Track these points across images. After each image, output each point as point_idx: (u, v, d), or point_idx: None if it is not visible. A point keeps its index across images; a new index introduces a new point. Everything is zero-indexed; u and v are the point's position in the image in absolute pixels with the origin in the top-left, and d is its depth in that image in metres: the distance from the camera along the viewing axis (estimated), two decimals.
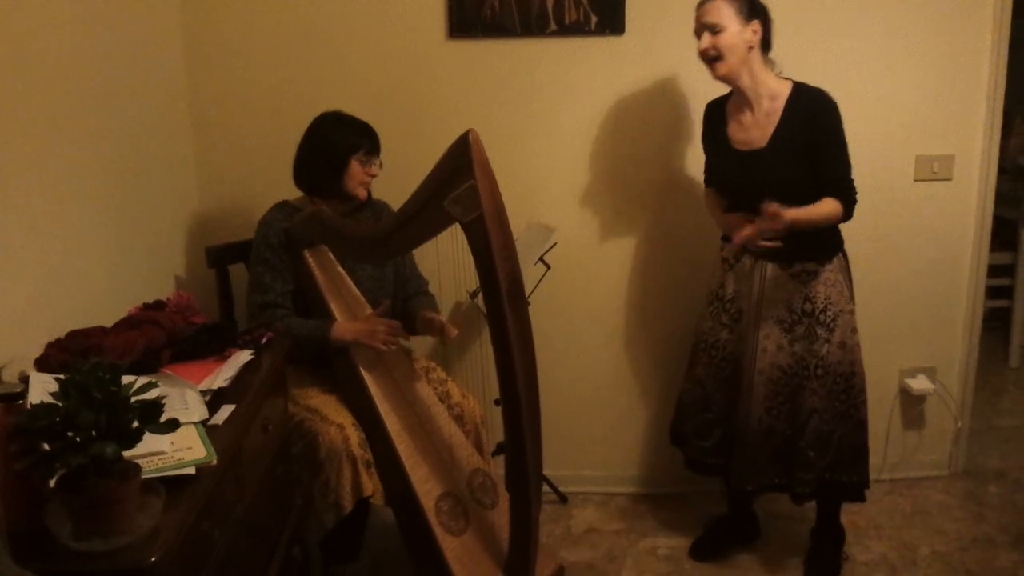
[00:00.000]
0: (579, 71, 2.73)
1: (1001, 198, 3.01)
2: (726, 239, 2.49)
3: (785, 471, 2.42)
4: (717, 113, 2.45)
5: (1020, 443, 3.37)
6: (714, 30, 2.22)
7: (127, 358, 1.67)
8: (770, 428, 2.39)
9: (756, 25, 2.24)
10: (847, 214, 2.27)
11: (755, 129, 2.32)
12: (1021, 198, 4.00)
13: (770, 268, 2.37)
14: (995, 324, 4.21)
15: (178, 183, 2.69)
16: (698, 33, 2.28)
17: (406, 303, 2.51)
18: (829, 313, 2.34)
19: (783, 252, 2.29)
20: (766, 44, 2.29)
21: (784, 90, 2.29)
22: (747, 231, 2.24)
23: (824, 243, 2.35)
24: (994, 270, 3.57)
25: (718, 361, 2.48)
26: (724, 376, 2.48)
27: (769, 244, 2.25)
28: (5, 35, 1.74)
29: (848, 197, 2.26)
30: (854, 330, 2.39)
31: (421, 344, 2.73)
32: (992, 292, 3.94)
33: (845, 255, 2.41)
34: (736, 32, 2.22)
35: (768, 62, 2.32)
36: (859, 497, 2.46)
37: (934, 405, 3.03)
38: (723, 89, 2.41)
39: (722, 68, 2.26)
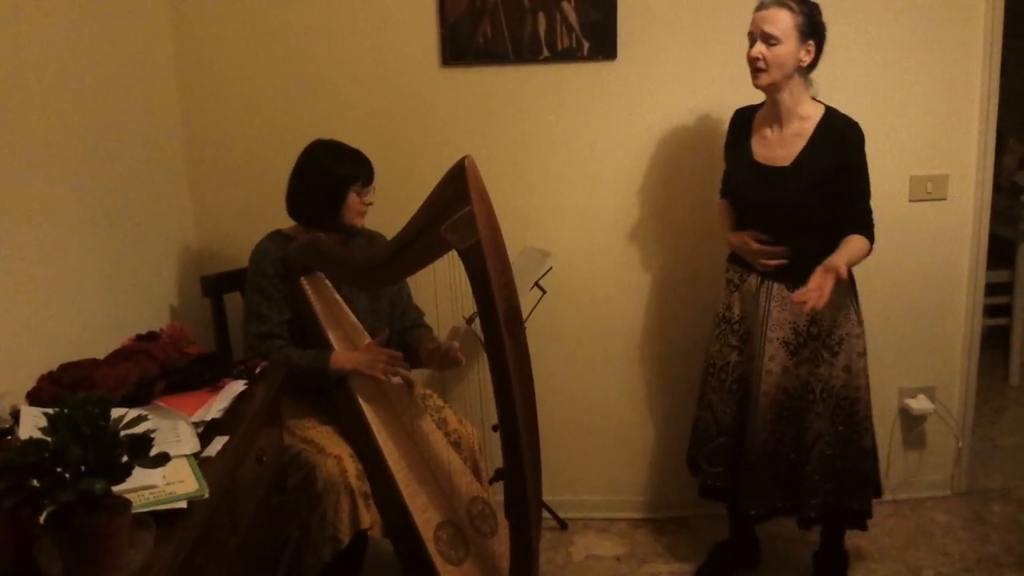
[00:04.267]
0: (572, 96, 2.74)
1: (997, 216, 3.02)
2: (732, 260, 2.47)
3: (790, 495, 2.39)
4: (744, 122, 2.42)
5: (1023, 461, 3.35)
6: (770, 41, 2.18)
7: (120, 391, 1.66)
8: (775, 452, 2.36)
9: (811, 46, 2.22)
10: (870, 247, 2.26)
11: (779, 147, 2.30)
12: (1017, 216, 4.00)
13: (776, 288, 2.34)
14: (994, 342, 4.19)
15: (172, 212, 2.69)
16: (752, 37, 2.23)
17: (403, 335, 2.50)
18: (835, 336, 2.31)
19: (790, 273, 2.28)
20: (812, 66, 2.26)
21: (816, 113, 2.27)
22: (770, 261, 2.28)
23: None
24: (992, 288, 3.56)
25: (728, 384, 2.45)
26: (736, 399, 2.45)
27: (774, 263, 2.27)
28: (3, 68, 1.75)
29: (870, 230, 2.25)
30: (860, 354, 2.35)
31: (417, 371, 2.71)
32: (990, 310, 3.93)
33: (852, 278, 2.37)
34: (791, 50, 2.19)
35: (808, 82, 2.29)
36: (861, 525, 2.43)
37: (935, 425, 3.01)
38: (726, 110, 2.41)
39: (765, 79, 2.22)
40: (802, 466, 2.35)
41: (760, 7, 2.23)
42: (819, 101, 2.32)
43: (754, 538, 2.69)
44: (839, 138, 2.24)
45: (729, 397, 2.45)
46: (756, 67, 2.22)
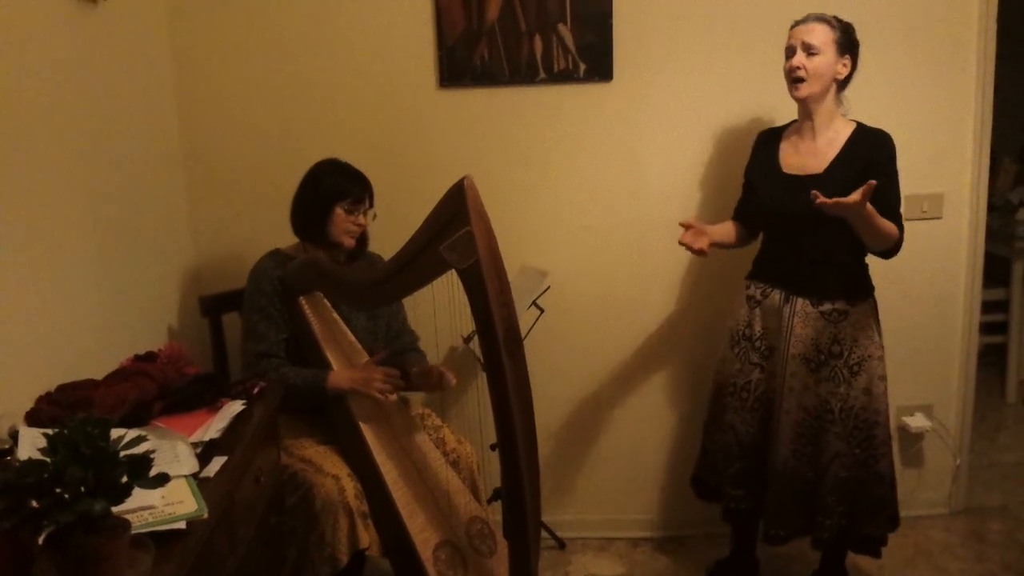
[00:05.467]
0: (568, 118, 2.76)
1: (992, 235, 3.03)
2: (753, 276, 2.46)
3: (808, 514, 2.36)
4: (770, 140, 2.45)
5: (1021, 479, 3.34)
6: (811, 51, 2.23)
7: (118, 411, 1.65)
8: (795, 470, 2.34)
9: (847, 60, 2.27)
10: (898, 244, 2.21)
11: (811, 156, 2.32)
12: (1012, 234, 4.02)
13: (800, 304, 2.33)
14: (991, 360, 4.21)
15: (171, 233, 2.70)
16: (791, 51, 2.28)
17: (397, 358, 2.50)
18: (855, 356, 2.30)
19: (815, 287, 2.29)
20: (846, 81, 2.30)
21: (848, 127, 2.31)
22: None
23: (856, 283, 2.34)
24: (988, 306, 3.57)
25: (751, 403, 2.41)
26: (759, 417, 2.41)
27: (696, 249, 2.28)
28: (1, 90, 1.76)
29: (901, 230, 2.21)
30: (882, 377, 2.34)
31: (415, 392, 2.71)
32: (987, 328, 3.94)
33: (875, 301, 2.37)
34: (830, 61, 2.24)
35: (840, 100, 2.33)
36: (874, 552, 2.40)
37: (932, 443, 3.01)
38: (721, 130, 2.41)
39: (805, 90, 2.26)
40: (818, 486, 2.33)
41: (799, 22, 2.29)
42: (852, 120, 2.34)
43: (754, 557, 2.68)
44: (871, 145, 2.26)
45: (752, 416, 2.42)
46: (796, 77, 2.26)
